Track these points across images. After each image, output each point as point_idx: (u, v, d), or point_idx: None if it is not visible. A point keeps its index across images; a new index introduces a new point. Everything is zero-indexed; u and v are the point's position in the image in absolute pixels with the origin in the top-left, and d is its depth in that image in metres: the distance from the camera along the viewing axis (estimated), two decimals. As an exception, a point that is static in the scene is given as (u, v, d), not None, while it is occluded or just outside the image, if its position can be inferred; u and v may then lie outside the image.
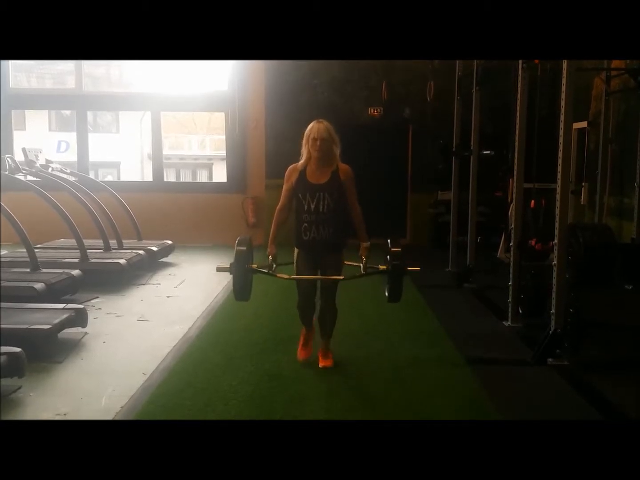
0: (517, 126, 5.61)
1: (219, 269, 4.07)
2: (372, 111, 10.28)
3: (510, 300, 5.61)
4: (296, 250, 4.21)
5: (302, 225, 4.08)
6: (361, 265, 4.18)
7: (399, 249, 4.13)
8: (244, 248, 4.05)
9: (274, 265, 4.17)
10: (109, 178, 16.36)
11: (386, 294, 4.23)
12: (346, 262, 4.25)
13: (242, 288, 4.09)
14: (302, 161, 4.12)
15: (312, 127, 4.05)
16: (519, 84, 5.56)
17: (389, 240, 4.16)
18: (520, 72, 5.51)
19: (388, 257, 4.13)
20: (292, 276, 4.17)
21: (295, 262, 4.23)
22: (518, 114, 5.60)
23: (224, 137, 11.33)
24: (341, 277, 4.16)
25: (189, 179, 19.92)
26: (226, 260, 4.14)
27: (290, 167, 4.18)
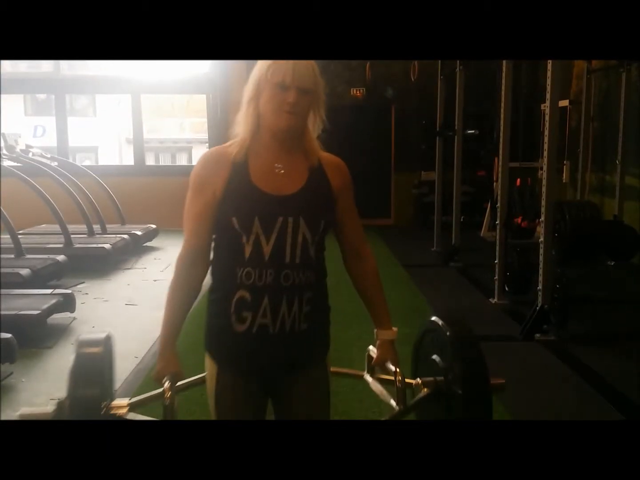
0: (502, 106, 5.64)
1: (23, 417, 1.85)
2: (354, 92, 10.25)
3: (496, 277, 5.68)
4: (213, 367, 1.78)
5: (235, 295, 1.68)
6: (368, 378, 2.07)
7: (468, 332, 1.96)
8: (95, 363, 1.84)
9: (174, 400, 1.74)
10: (87, 162, 16.15)
11: None
12: (333, 370, 1.92)
13: None
14: (237, 142, 1.73)
15: (277, 61, 1.63)
16: (504, 64, 5.59)
17: (438, 320, 1.99)
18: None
19: (451, 355, 1.88)
20: None
21: (214, 394, 1.77)
22: (503, 94, 5.63)
23: (202, 119, 11.23)
24: None
25: (168, 163, 19.73)
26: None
27: (210, 154, 1.76)
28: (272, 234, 1.66)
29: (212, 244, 1.75)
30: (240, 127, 1.74)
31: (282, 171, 1.72)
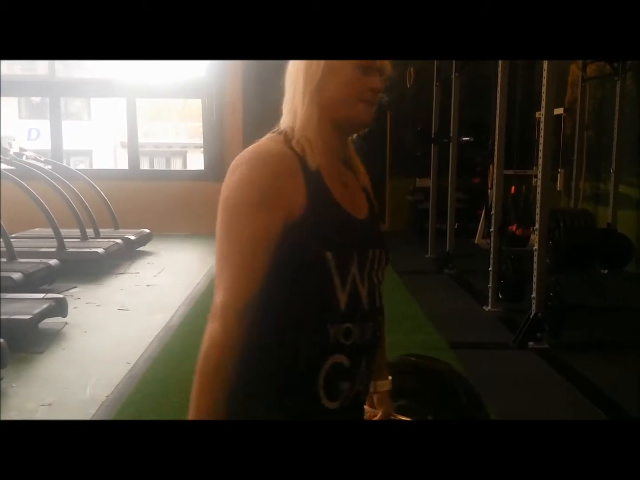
0: (497, 113, 5.65)
1: None
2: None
3: (490, 285, 5.67)
4: None
5: (326, 361, 1.18)
6: None
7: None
8: None
9: None
10: (81, 166, 16.11)
11: None
12: None
13: None
14: (302, 141, 1.20)
15: None
16: (499, 72, 5.60)
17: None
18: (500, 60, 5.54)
19: None
20: None
21: None
22: (498, 102, 5.64)
23: (197, 124, 11.22)
24: None
25: (162, 167, 19.70)
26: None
27: (276, 156, 1.16)
28: (365, 273, 1.23)
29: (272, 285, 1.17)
30: (296, 117, 1.22)
31: (351, 187, 1.30)
